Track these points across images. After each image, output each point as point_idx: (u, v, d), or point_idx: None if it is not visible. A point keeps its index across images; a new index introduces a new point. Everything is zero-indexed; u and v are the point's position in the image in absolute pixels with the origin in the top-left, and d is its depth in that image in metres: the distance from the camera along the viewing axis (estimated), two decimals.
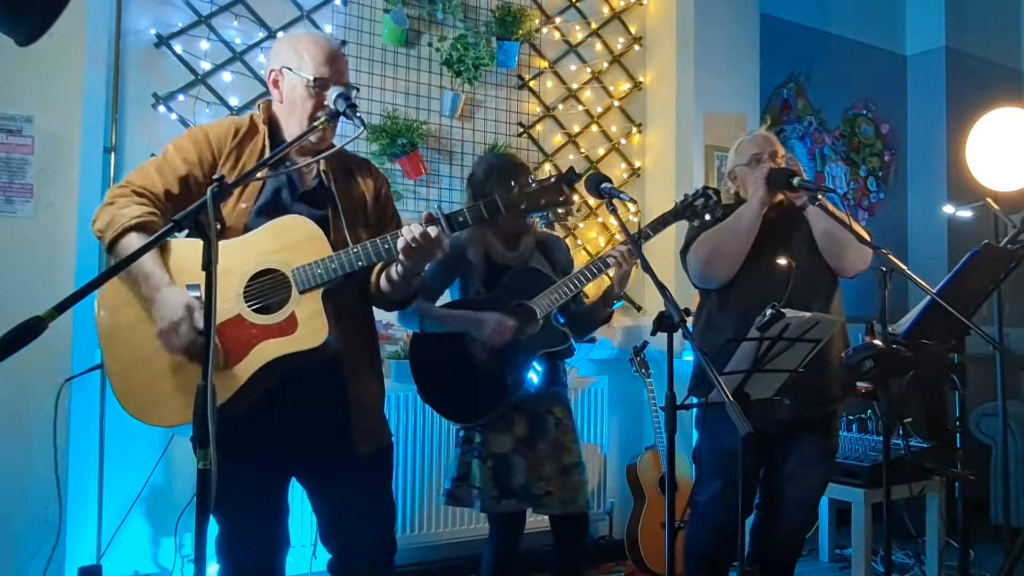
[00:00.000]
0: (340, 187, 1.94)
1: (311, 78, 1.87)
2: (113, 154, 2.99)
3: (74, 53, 2.78)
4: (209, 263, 1.39)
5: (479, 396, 2.41)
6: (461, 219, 1.80)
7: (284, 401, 1.81)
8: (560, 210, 1.99)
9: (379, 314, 2.09)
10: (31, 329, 1.13)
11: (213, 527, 1.66)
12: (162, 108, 3.08)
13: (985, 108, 3.86)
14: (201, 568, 1.39)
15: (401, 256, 1.78)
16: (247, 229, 1.83)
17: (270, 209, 1.85)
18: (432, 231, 1.75)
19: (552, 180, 1.87)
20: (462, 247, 2.48)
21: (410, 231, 1.75)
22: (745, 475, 2.28)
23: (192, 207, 1.43)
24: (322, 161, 1.93)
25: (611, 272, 2.47)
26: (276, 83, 1.93)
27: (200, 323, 1.67)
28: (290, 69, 1.89)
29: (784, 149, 2.74)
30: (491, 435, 2.42)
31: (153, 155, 2.99)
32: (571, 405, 2.61)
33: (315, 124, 1.81)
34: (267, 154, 1.88)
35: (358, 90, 1.97)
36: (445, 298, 2.60)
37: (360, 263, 1.78)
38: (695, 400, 2.35)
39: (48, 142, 2.75)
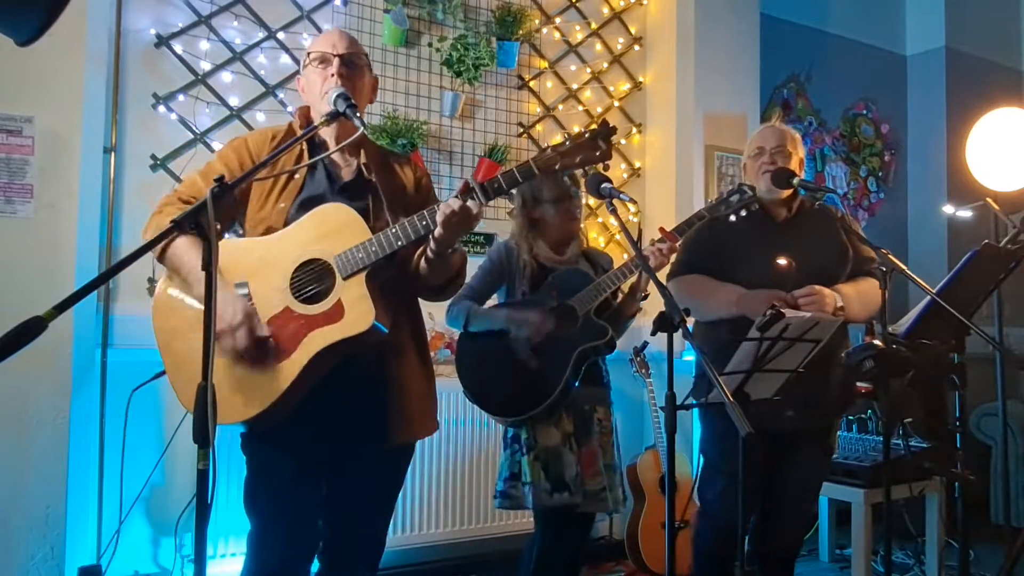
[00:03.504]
0: (380, 178, 1.95)
1: (308, 54, 1.94)
2: (113, 154, 2.99)
3: (74, 53, 2.78)
4: (209, 263, 1.39)
5: (525, 391, 2.45)
6: (496, 185, 1.79)
7: (325, 389, 1.80)
8: (599, 166, 1.90)
9: None
10: (31, 329, 1.13)
11: (216, 523, 1.66)
12: (162, 108, 3.08)
13: (985, 108, 3.86)
14: (201, 568, 1.39)
15: (439, 229, 1.77)
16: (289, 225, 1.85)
17: (311, 204, 1.86)
18: (472, 204, 1.75)
19: (586, 135, 1.80)
20: (510, 253, 2.59)
21: (448, 205, 1.75)
22: (749, 474, 2.27)
23: (191, 208, 1.43)
24: (362, 154, 1.95)
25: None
26: (302, 88, 1.99)
27: (260, 330, 1.72)
28: (303, 65, 1.97)
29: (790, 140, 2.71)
30: (539, 428, 2.46)
31: (153, 156, 3.04)
32: (612, 407, 2.65)
33: (314, 125, 1.82)
34: (305, 157, 1.91)
35: (369, 59, 1.98)
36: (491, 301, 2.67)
37: (400, 242, 1.77)
38: (694, 400, 2.34)
39: (48, 142, 2.74)
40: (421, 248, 1.87)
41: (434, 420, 2.03)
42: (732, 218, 2.47)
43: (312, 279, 1.79)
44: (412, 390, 1.94)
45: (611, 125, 1.82)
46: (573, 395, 2.47)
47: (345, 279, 1.76)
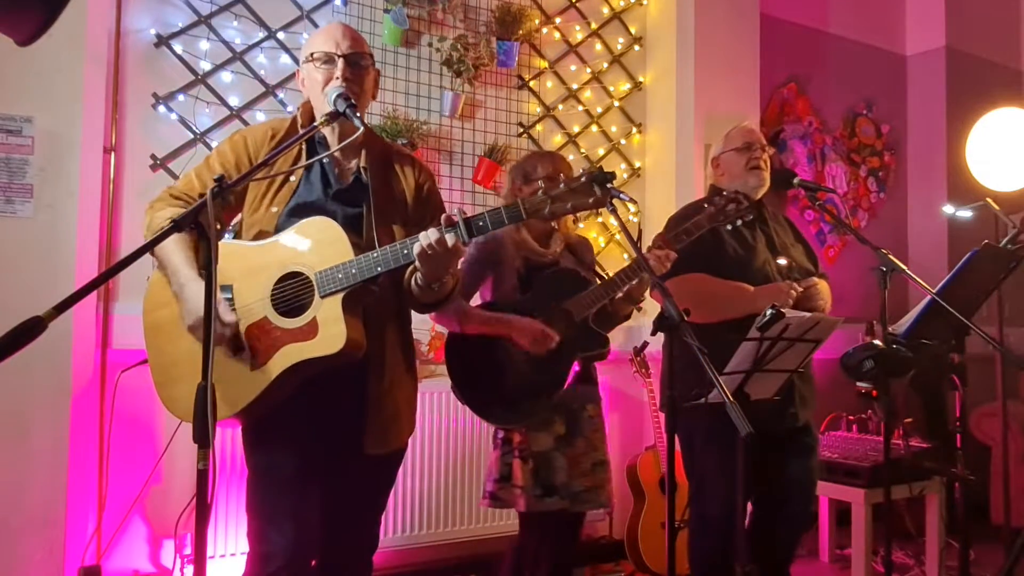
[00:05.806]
0: (378, 183, 1.92)
1: (311, 52, 1.91)
2: (113, 154, 2.99)
3: (74, 53, 2.78)
4: (209, 263, 1.39)
5: (523, 398, 2.41)
6: (481, 223, 1.74)
7: (306, 398, 1.82)
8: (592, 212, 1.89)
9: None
10: (31, 329, 1.13)
11: (216, 523, 1.66)
12: (162, 108, 3.08)
13: (985, 108, 3.86)
14: (201, 568, 1.39)
15: (417, 262, 1.75)
16: (278, 232, 1.83)
17: (302, 211, 1.85)
18: (449, 239, 1.70)
19: (582, 180, 1.72)
20: (496, 244, 2.49)
21: (426, 237, 1.71)
22: (747, 475, 2.27)
23: (191, 208, 1.44)
24: (363, 156, 1.93)
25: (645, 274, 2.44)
26: (302, 82, 1.96)
27: (225, 316, 1.72)
28: (303, 60, 1.94)
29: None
30: (532, 434, 2.44)
31: (153, 156, 3.04)
32: (601, 402, 2.62)
33: (313, 126, 1.81)
34: (303, 157, 1.90)
35: (372, 57, 1.96)
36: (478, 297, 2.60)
37: (379, 268, 1.76)
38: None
39: (48, 142, 2.74)
40: (413, 266, 1.83)
41: (411, 424, 2.03)
42: (729, 227, 2.44)
43: (293, 292, 1.79)
44: (393, 404, 1.93)
45: (608, 171, 1.74)
46: (564, 395, 2.43)
47: (322, 297, 1.76)
